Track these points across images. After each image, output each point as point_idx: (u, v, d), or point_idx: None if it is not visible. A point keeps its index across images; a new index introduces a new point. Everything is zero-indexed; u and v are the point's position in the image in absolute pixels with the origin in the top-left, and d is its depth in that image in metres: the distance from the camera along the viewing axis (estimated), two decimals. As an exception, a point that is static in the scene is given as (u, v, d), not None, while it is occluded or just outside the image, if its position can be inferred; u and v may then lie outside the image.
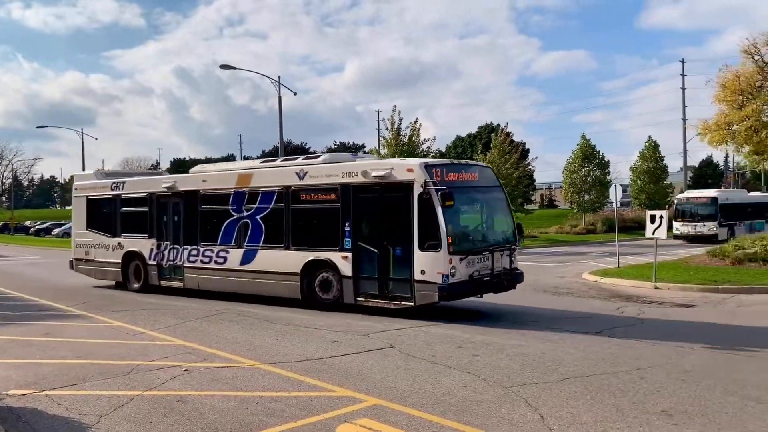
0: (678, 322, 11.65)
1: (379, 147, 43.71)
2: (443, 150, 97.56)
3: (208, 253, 15.00)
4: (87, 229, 18.11)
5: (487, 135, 70.53)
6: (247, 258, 14.16)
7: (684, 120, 39.15)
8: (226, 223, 14.59)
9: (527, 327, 10.97)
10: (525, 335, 10.19)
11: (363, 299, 12.33)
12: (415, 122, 37.60)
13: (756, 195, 41.42)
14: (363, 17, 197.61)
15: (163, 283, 16.17)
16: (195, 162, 69.52)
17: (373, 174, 12.16)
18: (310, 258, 12.98)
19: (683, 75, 41.53)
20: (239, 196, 14.41)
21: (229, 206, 14.54)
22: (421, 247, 11.40)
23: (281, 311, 12.97)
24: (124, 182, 17.51)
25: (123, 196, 17.29)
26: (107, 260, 17.47)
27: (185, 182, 16.02)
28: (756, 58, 25.55)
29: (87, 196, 18.24)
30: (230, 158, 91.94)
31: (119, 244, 17.15)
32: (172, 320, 12.07)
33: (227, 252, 14.55)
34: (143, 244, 16.55)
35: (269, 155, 74.34)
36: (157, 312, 13.15)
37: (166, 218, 16.25)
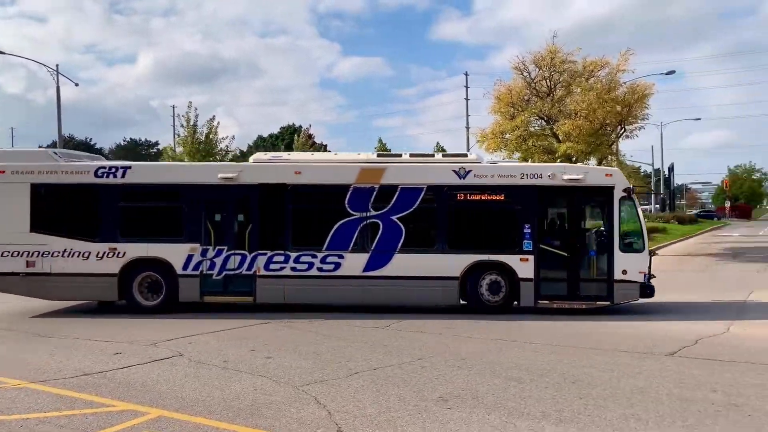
0: (457, 315, 12.69)
1: (174, 144, 41.68)
2: (244, 150, 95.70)
3: (305, 258, 12.60)
4: (32, 231, 12.85)
5: (289, 136, 70.69)
6: (377, 263, 12.52)
7: (467, 128, 42.79)
8: (339, 223, 12.63)
9: (325, 326, 11.22)
10: (322, 334, 10.41)
11: (547, 302, 12.43)
12: (212, 119, 36.58)
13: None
14: (157, 7, 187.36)
15: (209, 298, 12.84)
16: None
17: (565, 177, 12.44)
18: (475, 261, 12.46)
19: (467, 87, 45.27)
20: (363, 193, 12.65)
21: (346, 204, 12.64)
22: (622, 249, 12.17)
23: (58, 323, 11.83)
24: (126, 168, 13.09)
25: (127, 186, 12.95)
26: (84, 272, 12.77)
27: (261, 173, 12.96)
28: (525, 74, 28.72)
29: (32, 183, 12.94)
30: None
31: (113, 250, 12.83)
32: None
33: (341, 257, 12.56)
34: (171, 250, 12.77)
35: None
36: None
37: (219, 217, 13.03)
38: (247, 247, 12.75)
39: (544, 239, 12.57)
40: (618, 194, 12.32)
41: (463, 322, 11.63)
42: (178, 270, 12.71)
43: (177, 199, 12.87)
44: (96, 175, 12.97)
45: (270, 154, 13.71)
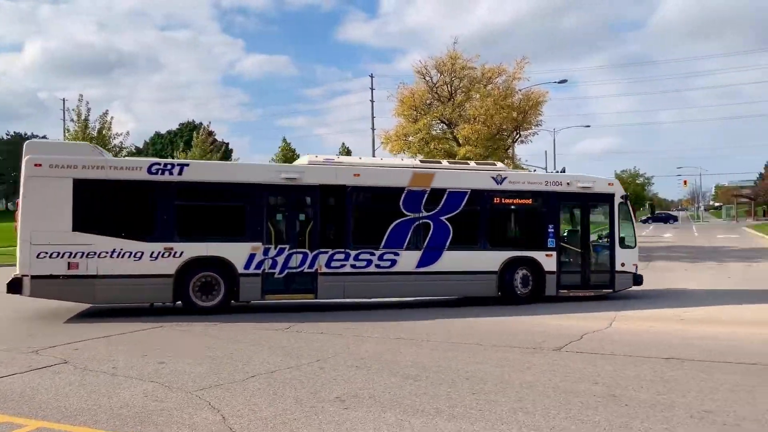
0: (360, 312, 12.76)
1: (64, 139, 39.30)
2: (140, 147, 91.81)
3: (364, 256, 13.23)
4: (74, 230, 11.76)
5: (188, 133, 68.44)
6: (429, 260, 13.65)
7: (373, 130, 43.11)
8: (394, 223, 13.48)
9: (223, 329, 10.95)
10: (219, 338, 10.15)
11: (565, 291, 14.63)
12: (106, 114, 34.81)
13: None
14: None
15: (271, 297, 12.78)
16: None
17: (579, 185, 14.88)
18: (510, 256, 14.18)
19: (372, 89, 45.62)
20: (415, 195, 13.68)
21: (400, 205, 13.55)
22: (621, 245, 14.95)
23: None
24: (183, 165, 12.61)
25: (184, 183, 12.41)
26: (136, 273, 12.01)
27: (322, 174, 13.29)
28: (427, 79, 29.38)
29: (75, 179, 11.86)
30: None
31: (169, 249, 12.19)
32: None
33: (397, 254, 13.44)
34: (232, 249, 12.52)
35: None
36: None
37: (281, 216, 13.16)
38: (308, 246, 12.99)
39: (562, 237, 14.89)
40: (617, 200, 15.11)
41: (365, 323, 11.70)
42: (240, 269, 12.54)
43: (238, 198, 12.83)
44: (150, 171, 12.33)
45: (322, 157, 14.01)
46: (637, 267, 15.30)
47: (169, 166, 12.46)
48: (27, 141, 12.19)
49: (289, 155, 52.20)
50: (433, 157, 28.18)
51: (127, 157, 12.12)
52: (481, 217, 14.22)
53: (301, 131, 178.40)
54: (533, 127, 30.26)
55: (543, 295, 14.39)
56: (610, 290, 14.99)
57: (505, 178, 14.47)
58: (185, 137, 67.18)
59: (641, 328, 11.01)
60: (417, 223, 13.62)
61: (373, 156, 41.69)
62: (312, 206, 13.23)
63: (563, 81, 39.04)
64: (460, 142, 28.44)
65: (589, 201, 15.13)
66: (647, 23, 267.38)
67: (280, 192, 13.08)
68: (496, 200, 14.35)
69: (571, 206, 15.35)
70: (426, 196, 13.73)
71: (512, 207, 14.65)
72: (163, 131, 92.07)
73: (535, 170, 35.07)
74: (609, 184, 15.42)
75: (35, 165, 11.73)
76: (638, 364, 8.23)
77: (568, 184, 14.92)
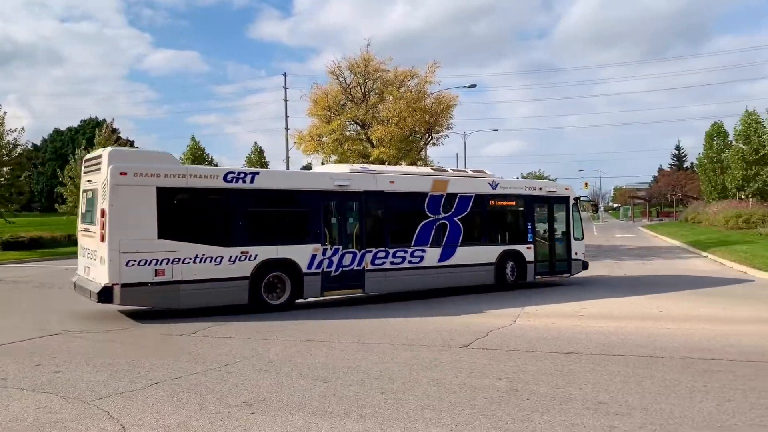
0: (271, 315, 12.59)
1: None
2: (37, 143, 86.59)
3: (400, 254, 15.11)
4: (160, 237, 12.05)
5: (91, 130, 65.19)
6: (446, 255, 15.81)
7: (286, 129, 42.55)
8: (421, 224, 15.52)
9: (124, 335, 10.49)
10: (121, 343, 9.72)
11: (540, 277, 17.64)
12: (-2, 109, 32.68)
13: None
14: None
15: (329, 293, 14.13)
16: None
17: (547, 189, 18.40)
18: (503, 250, 16.90)
19: (285, 87, 44.98)
20: (436, 200, 15.80)
21: (425, 208, 15.59)
22: (575, 238, 18.50)
23: None
24: (254, 173, 13.58)
25: (256, 191, 13.36)
26: (217, 277, 12.64)
27: (366, 182, 14.97)
28: (340, 79, 29.33)
29: (159, 187, 12.19)
30: None
31: (245, 253, 12.98)
32: None
33: (424, 251, 15.46)
34: (297, 251, 13.65)
35: None
36: None
37: (334, 220, 14.49)
38: (356, 246, 14.51)
39: (536, 233, 17.74)
40: (571, 201, 18.62)
41: (273, 323, 11.56)
42: (304, 269, 13.66)
43: (302, 204, 14.05)
44: (225, 179, 13.06)
45: (359, 166, 16.36)
46: (584, 255, 19.02)
47: (242, 175, 13.29)
48: (110, 149, 12.51)
49: (198, 154, 50.83)
50: (346, 158, 28.23)
51: (204, 166, 13.48)
52: (483, 218, 16.80)
53: (212, 129, 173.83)
54: (444, 129, 30.87)
55: (525, 281, 17.21)
56: (568, 274, 18.52)
57: (498, 183, 17.33)
58: (87, 134, 63.94)
59: (543, 325, 11.47)
60: (438, 223, 15.76)
61: (287, 156, 41.38)
62: (358, 210, 14.76)
63: (473, 86, 40.04)
64: (374, 143, 28.59)
65: (553, 202, 18.38)
66: (553, 32, 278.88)
67: (334, 198, 14.47)
68: (492, 203, 17.04)
69: (540, 207, 18.21)
70: (443, 199, 15.94)
71: (503, 208, 17.48)
72: (62, 128, 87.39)
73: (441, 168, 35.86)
74: (566, 188, 19.04)
75: (121, 173, 11.94)
76: (539, 359, 8.57)
77: (540, 189, 18.35)
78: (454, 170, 17.95)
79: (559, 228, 18.50)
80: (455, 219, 16.07)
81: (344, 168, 15.65)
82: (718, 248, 28.19)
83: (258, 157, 58.35)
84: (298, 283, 13.56)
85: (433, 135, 30.94)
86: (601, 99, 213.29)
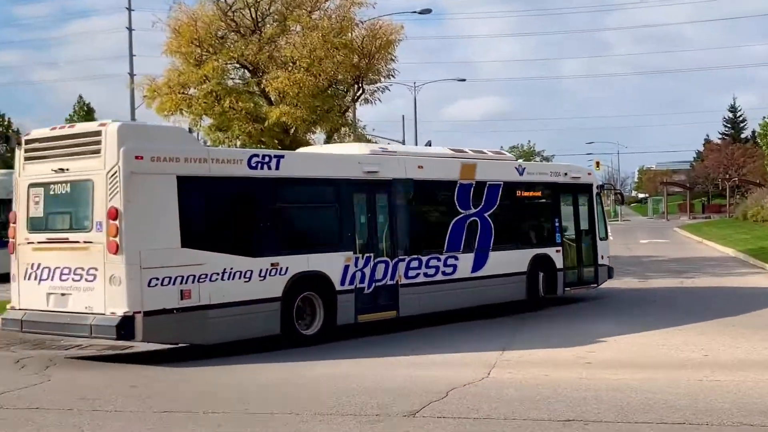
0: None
1: None
2: None
3: (433, 262, 16.48)
4: (184, 246, 12.85)
5: None
6: (480, 263, 17.49)
7: (132, 75, 41.23)
8: (453, 222, 17.07)
9: None
10: None
11: (569, 289, 19.95)
12: None
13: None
14: None
15: (363, 317, 15.33)
16: None
17: (571, 175, 20.44)
18: (534, 254, 18.85)
19: (130, 9, 43.68)
20: (465, 190, 17.35)
21: (455, 201, 17.10)
22: (600, 238, 20.79)
23: None
24: (280, 157, 14.83)
25: (282, 180, 14.62)
26: (248, 298, 13.55)
27: (393, 167, 16.24)
28: (219, -2, 28.76)
29: (179, 177, 12.93)
30: None
31: (275, 266, 13.93)
32: None
33: (456, 258, 17.00)
34: (327, 261, 14.72)
35: None
36: None
37: (363, 219, 15.70)
38: (387, 254, 15.81)
39: (563, 232, 20.11)
40: (595, 190, 20.96)
41: (118, 385, 11.35)
42: (337, 285, 14.74)
43: (330, 198, 15.40)
44: (250, 165, 14.05)
45: (376, 145, 18.29)
46: (609, 259, 21.48)
47: (266, 158, 14.41)
48: (118, 123, 12.97)
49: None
50: (228, 122, 27.70)
51: (224, 147, 15.26)
52: (513, 213, 18.94)
53: (12, 75, 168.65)
54: (382, 78, 30.73)
55: (555, 295, 19.38)
56: (596, 285, 20.94)
57: (524, 168, 19.69)
58: None
59: (532, 378, 11.66)
60: (469, 221, 17.44)
61: (132, 117, 40.33)
62: (387, 205, 16.13)
63: (427, 11, 40.24)
64: (273, 99, 28.27)
65: (576, 192, 20.72)
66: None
67: (363, 189, 15.77)
68: (520, 193, 19.06)
69: (565, 198, 20.47)
70: (473, 189, 17.54)
71: (531, 201, 19.76)
72: None
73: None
74: (588, 173, 21.57)
75: (136, 157, 12.44)
76: (519, 428, 8.72)
77: (565, 174, 20.39)
78: (473, 151, 19.59)
79: (583, 225, 20.92)
80: (485, 215, 17.80)
81: (358, 148, 17.40)
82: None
83: (85, 119, 57.20)
84: (330, 304, 14.65)
85: (366, 87, 30.87)
86: (620, 34, 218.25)
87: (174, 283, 12.56)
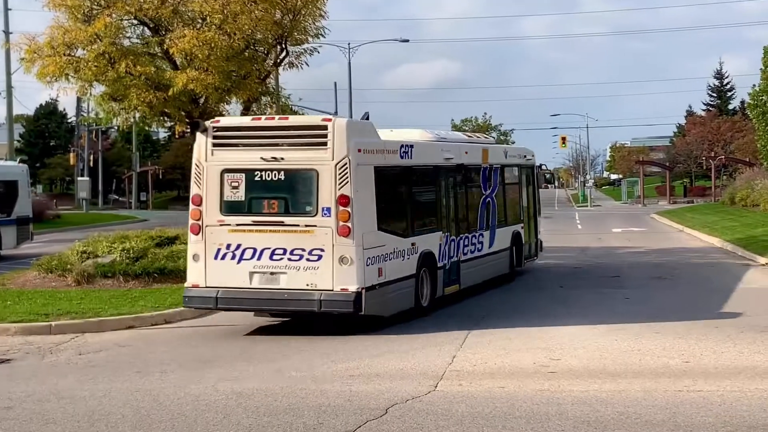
0: None
1: None
2: None
3: (473, 239, 21.74)
4: (380, 229, 17.34)
5: None
6: (492, 239, 22.80)
7: (7, 33, 40.45)
8: (480, 202, 22.42)
9: None
10: None
11: (525, 261, 26.28)
12: None
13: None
14: None
15: (447, 290, 20.16)
16: None
17: (526, 157, 26.89)
18: (512, 231, 24.69)
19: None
20: (486, 173, 22.94)
21: (481, 183, 22.70)
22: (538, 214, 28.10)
23: None
24: (411, 146, 19.31)
25: (416, 168, 19.65)
26: (402, 275, 17.96)
27: (456, 153, 21.52)
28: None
29: (375, 167, 17.42)
30: None
31: (414, 245, 18.54)
32: None
33: (482, 236, 22.29)
34: (434, 240, 19.60)
35: None
36: None
37: (445, 201, 20.90)
38: (454, 232, 20.84)
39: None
40: (535, 170, 26.93)
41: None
42: (438, 262, 19.55)
43: (432, 182, 20.47)
44: (400, 155, 18.72)
45: (428, 131, 22.64)
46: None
47: (404, 148, 18.97)
48: (346, 119, 18.91)
49: None
50: (124, 90, 27.22)
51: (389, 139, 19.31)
52: (503, 193, 24.16)
53: None
54: (310, 38, 30.57)
55: (521, 268, 25.22)
56: (535, 258, 27.28)
57: (507, 152, 25.56)
58: None
59: (485, 391, 11.74)
60: (486, 201, 22.92)
61: (8, 85, 39.68)
62: (454, 188, 21.50)
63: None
64: (178, 62, 27.95)
65: (529, 173, 26.85)
66: None
67: (444, 174, 20.94)
68: (506, 174, 24.49)
69: (524, 178, 26.70)
70: (487, 172, 23.12)
71: (511, 181, 25.26)
72: None
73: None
74: (532, 155, 27.08)
75: (359, 150, 16.64)
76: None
77: (524, 156, 26.61)
78: (467, 135, 26.60)
79: (530, 203, 27.15)
80: (493, 196, 23.42)
81: (410, 134, 21.58)
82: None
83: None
84: (433, 278, 19.29)
85: (290, 48, 30.71)
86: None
87: (375, 262, 16.77)
